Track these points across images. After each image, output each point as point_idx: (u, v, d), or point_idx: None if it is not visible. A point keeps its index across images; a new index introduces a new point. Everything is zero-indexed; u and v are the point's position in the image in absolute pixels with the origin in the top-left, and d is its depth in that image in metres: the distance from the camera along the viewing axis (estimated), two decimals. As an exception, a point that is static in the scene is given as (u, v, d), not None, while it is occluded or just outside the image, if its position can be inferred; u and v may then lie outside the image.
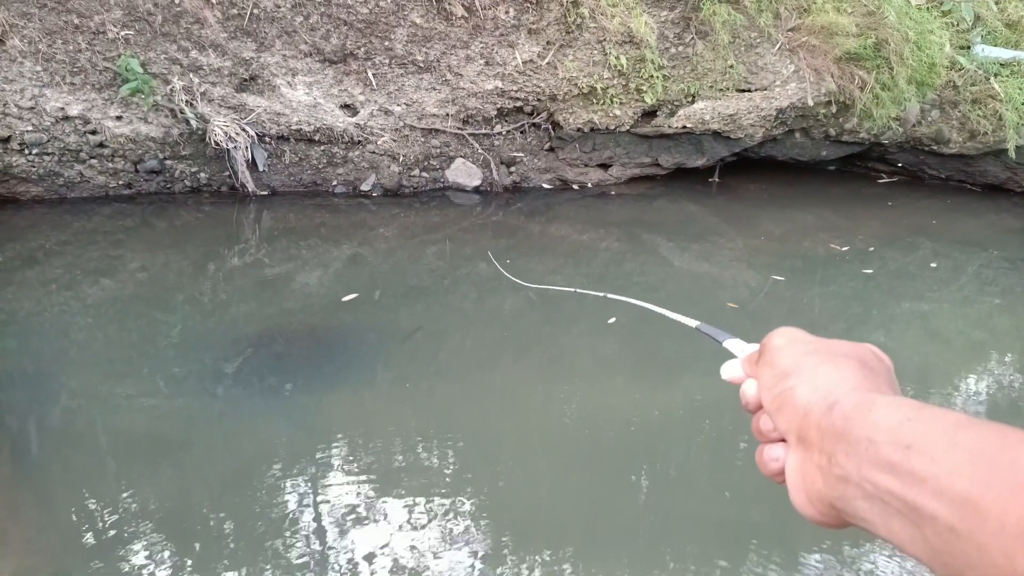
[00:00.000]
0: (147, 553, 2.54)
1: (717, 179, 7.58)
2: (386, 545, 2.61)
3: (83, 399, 3.40)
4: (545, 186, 6.97)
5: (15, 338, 3.90)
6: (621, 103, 6.59)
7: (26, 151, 5.54)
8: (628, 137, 6.93)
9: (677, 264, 5.56)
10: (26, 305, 4.25)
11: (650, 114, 6.78)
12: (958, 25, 7.36)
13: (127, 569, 2.47)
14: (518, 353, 4.08)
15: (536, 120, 6.73)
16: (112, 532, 2.62)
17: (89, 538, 2.60)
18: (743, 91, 6.76)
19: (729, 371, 0.67)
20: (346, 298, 4.49)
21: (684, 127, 6.72)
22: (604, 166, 7.12)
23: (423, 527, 2.71)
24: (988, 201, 7.58)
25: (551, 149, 6.95)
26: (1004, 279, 5.65)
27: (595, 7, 6.25)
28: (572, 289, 1.27)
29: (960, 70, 7.19)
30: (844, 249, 5.88)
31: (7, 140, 5.44)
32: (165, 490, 2.84)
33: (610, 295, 1.08)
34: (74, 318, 4.16)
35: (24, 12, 5.29)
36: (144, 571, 2.47)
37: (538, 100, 6.53)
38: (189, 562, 2.52)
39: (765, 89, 6.76)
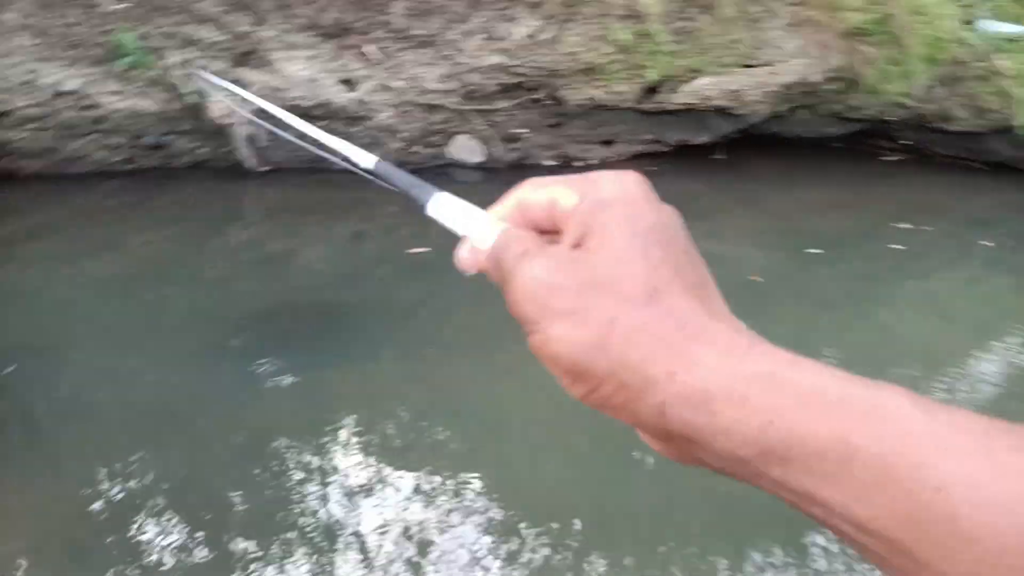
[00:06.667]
0: (156, 524, 2.55)
1: (721, 156, 7.53)
2: (391, 520, 2.62)
3: (90, 373, 3.40)
4: (548, 163, 6.92)
5: (21, 313, 3.89)
6: (624, 79, 6.52)
7: (24, 127, 5.49)
8: (631, 114, 6.87)
9: (680, 241, 5.53)
10: (30, 280, 4.24)
11: (653, 90, 6.72)
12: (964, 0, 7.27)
13: (138, 539, 2.48)
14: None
15: (538, 96, 6.67)
16: (122, 504, 2.63)
17: (100, 509, 2.61)
18: (747, 67, 6.69)
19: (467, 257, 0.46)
20: (414, 250, 4.48)
21: (687, 103, 6.66)
22: (607, 143, 7.07)
23: (429, 502, 2.72)
24: (994, 180, 7.54)
25: (554, 125, 6.90)
26: (1012, 258, 5.62)
27: (598, -20, 6.17)
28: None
29: (966, 46, 7.11)
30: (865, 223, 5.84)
31: (5, 115, 5.39)
32: (173, 463, 2.85)
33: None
34: (79, 293, 4.15)
35: (20, -15, 5.23)
36: (154, 541, 2.48)
37: (540, 76, 6.47)
38: (198, 534, 2.53)
39: (770, 65, 6.69)
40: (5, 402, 3.13)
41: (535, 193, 0.43)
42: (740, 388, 0.34)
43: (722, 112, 6.86)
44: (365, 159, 0.57)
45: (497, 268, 0.42)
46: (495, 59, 6.28)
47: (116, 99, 5.64)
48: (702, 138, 7.08)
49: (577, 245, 0.40)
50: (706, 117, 6.94)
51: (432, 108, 6.41)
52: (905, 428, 0.31)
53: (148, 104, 5.71)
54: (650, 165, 7.11)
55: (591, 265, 0.38)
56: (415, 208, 0.49)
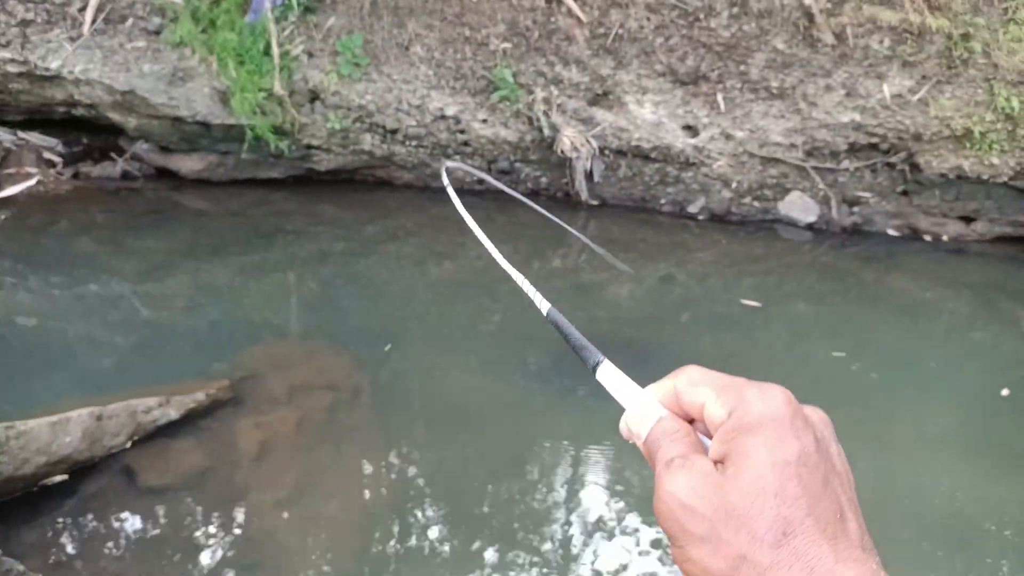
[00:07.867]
0: (428, 506, 2.84)
1: (1120, 253, 6.24)
2: (623, 568, 2.61)
3: (413, 364, 3.89)
4: (890, 232, 6.33)
5: (370, 300, 4.57)
6: (1002, 151, 5.74)
7: (407, 143, 6.44)
8: (1003, 189, 6.01)
9: (1045, 344, 4.70)
10: (383, 273, 4.97)
11: (1039, 166, 5.80)
12: None
13: (408, 519, 2.78)
14: (841, 408, 3.77)
15: (891, 159, 6.14)
16: (406, 483, 2.96)
17: (391, 484, 2.97)
18: None
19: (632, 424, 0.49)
20: (747, 302, 4.47)
21: (1084, 186, 5.65)
22: (967, 219, 6.26)
23: (669, 561, 2.65)
24: None
25: (904, 193, 6.29)
26: None
27: (990, 41, 5.52)
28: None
29: None
30: None
31: (395, 132, 6.37)
32: (454, 456, 3.15)
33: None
34: (417, 291, 4.76)
35: (428, 23, 6.16)
36: (418, 522, 2.76)
37: (899, 138, 5.95)
38: (456, 527, 2.75)
39: None
40: (370, 377, 3.67)
41: (690, 391, 0.48)
42: None
43: None
44: (543, 304, 0.62)
45: (649, 460, 0.47)
46: (850, 116, 5.92)
47: (483, 127, 6.36)
48: (1097, 228, 5.95)
49: (720, 461, 0.43)
50: (1107, 205, 5.83)
51: (770, 161, 6.23)
52: None
53: (508, 133, 6.34)
54: (1018, 250, 6.16)
55: (728, 493, 0.41)
56: (582, 367, 0.53)
